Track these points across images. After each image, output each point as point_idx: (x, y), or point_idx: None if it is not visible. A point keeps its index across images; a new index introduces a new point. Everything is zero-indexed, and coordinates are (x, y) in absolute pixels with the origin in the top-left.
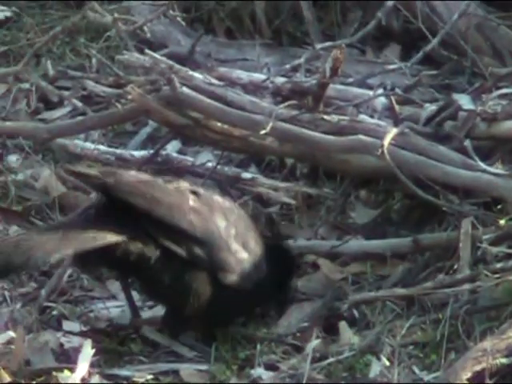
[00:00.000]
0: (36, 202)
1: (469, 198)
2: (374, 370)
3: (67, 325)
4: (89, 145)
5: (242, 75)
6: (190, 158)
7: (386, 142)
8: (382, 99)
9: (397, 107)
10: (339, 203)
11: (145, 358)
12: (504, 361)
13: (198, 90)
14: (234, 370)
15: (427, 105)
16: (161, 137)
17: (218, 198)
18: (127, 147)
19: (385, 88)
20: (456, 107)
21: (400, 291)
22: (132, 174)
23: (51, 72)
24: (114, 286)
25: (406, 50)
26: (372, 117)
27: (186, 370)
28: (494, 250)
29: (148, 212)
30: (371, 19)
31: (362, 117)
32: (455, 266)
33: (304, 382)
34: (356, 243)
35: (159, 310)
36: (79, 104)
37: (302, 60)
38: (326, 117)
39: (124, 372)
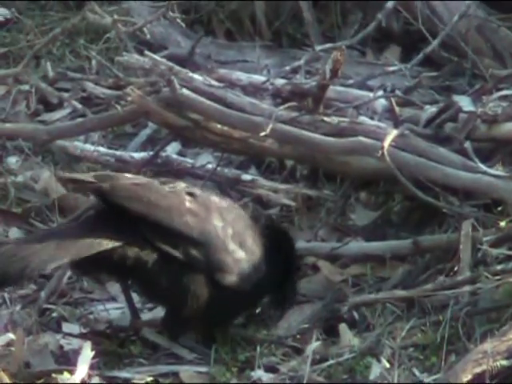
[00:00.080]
0: (36, 204)
1: (469, 199)
2: (374, 372)
3: (67, 327)
4: (89, 146)
5: (242, 77)
6: (189, 160)
7: (386, 143)
8: (382, 101)
9: (397, 109)
10: (339, 205)
11: (144, 360)
12: (504, 363)
13: (198, 91)
14: (234, 371)
15: (427, 106)
16: (161, 138)
17: (214, 198)
18: (127, 149)
19: (385, 90)
20: (456, 109)
21: (400, 293)
22: (127, 177)
23: (51, 73)
24: (114, 288)
25: (407, 51)
26: (372, 118)
27: (186, 372)
28: (495, 251)
29: (144, 216)
30: (371, 21)
31: (362, 118)
32: (455, 268)
33: None
34: (356, 245)
35: (159, 312)
36: (79, 106)
37: (301, 62)
38: (325, 118)
39: (124, 374)
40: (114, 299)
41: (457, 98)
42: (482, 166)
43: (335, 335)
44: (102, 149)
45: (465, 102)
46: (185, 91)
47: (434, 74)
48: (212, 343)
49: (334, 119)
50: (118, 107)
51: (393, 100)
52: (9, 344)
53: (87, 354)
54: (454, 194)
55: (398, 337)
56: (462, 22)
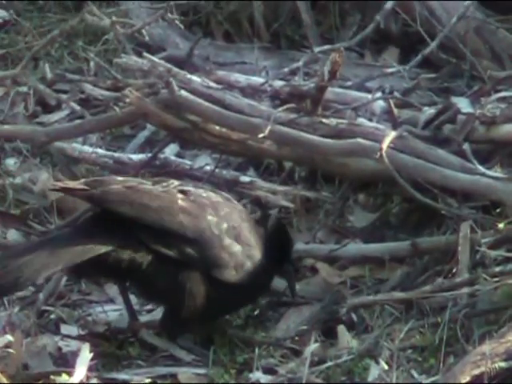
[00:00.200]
0: (34, 206)
1: (467, 201)
2: (373, 373)
3: (65, 328)
4: (87, 148)
5: (241, 78)
6: (188, 162)
7: (385, 145)
8: (381, 102)
9: (395, 110)
10: (338, 207)
11: (143, 362)
12: (503, 365)
13: (196, 93)
14: (233, 373)
15: (426, 108)
16: (159, 140)
17: (209, 194)
18: (125, 150)
19: (383, 91)
20: (455, 110)
21: (398, 295)
22: (119, 181)
23: (49, 75)
24: (112, 289)
25: (405, 53)
26: (371, 120)
27: (184, 373)
28: (493, 253)
29: (137, 219)
30: (370, 22)
31: (361, 120)
32: (454, 270)
33: None
34: (354, 247)
35: (157, 314)
36: (77, 107)
37: (300, 63)
38: (324, 120)
39: (122, 376)
40: (112, 301)
41: (455, 99)
42: (481, 168)
43: (333, 337)
44: (100, 150)
45: (463, 104)
46: (183, 93)
47: (433, 75)
48: (210, 345)
49: (333, 121)
50: (117, 109)
51: (391, 101)
52: (7, 346)
53: (85, 355)
54: (452, 196)
55: (397, 338)
56: (461, 23)
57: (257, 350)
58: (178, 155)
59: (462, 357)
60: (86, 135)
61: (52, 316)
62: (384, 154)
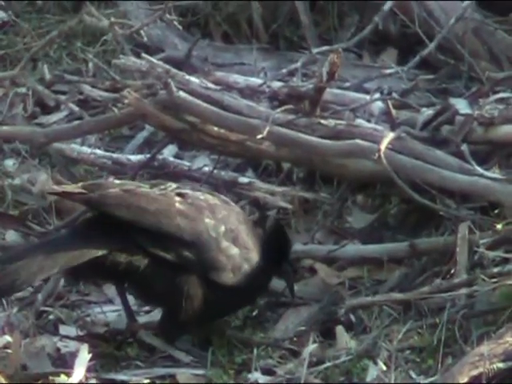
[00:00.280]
0: (33, 207)
1: (466, 202)
2: (371, 374)
3: (64, 329)
4: (85, 149)
5: (239, 79)
6: (186, 163)
7: (383, 146)
8: (379, 103)
9: (394, 111)
10: (336, 208)
11: (141, 363)
12: (501, 365)
13: (195, 94)
14: (231, 374)
15: (424, 109)
16: (157, 141)
17: (206, 196)
18: (124, 151)
19: (382, 92)
20: (453, 111)
21: (397, 296)
22: (116, 184)
23: (48, 76)
24: (111, 290)
25: (403, 54)
26: (369, 121)
27: (183, 374)
28: (491, 254)
29: (134, 222)
30: (368, 23)
31: (359, 121)
32: (452, 271)
33: None
34: (353, 248)
35: (156, 315)
36: (76, 108)
37: (298, 64)
38: (322, 121)
39: (121, 376)
40: (110, 301)
41: (453, 100)
42: (479, 169)
43: (332, 338)
44: (98, 151)
45: (461, 105)
46: (181, 94)
47: (431, 76)
48: (209, 346)
49: (331, 122)
50: (115, 110)
51: (389, 103)
52: (6, 346)
53: (84, 356)
54: (450, 197)
55: (395, 339)
56: (459, 24)
57: (255, 351)
58: (177, 156)
59: (460, 357)
60: (85, 136)
61: (51, 317)
62: (382, 155)
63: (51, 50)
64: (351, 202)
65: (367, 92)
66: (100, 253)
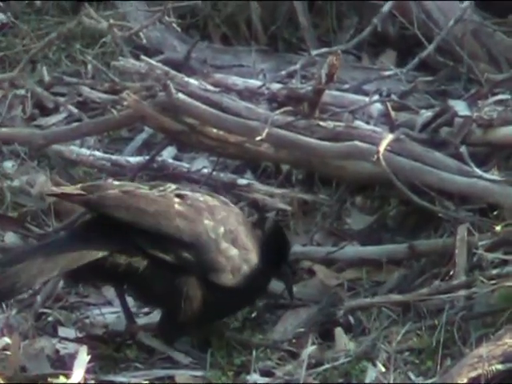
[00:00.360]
0: (32, 208)
1: (465, 204)
2: (370, 376)
3: (63, 331)
4: (84, 151)
5: (238, 81)
6: (185, 165)
7: (382, 148)
8: (378, 105)
9: (392, 113)
10: (335, 209)
11: (140, 365)
12: (500, 367)
13: (194, 96)
14: (230, 376)
15: (423, 111)
16: (156, 143)
17: (205, 197)
18: (123, 153)
19: (380, 94)
20: (452, 113)
21: (396, 297)
22: (115, 185)
23: (47, 78)
24: (110, 292)
25: (402, 56)
26: (368, 123)
27: (182, 376)
28: (490, 256)
29: (133, 224)
30: (367, 25)
31: (358, 123)
32: (451, 272)
33: None
34: (352, 249)
35: (155, 316)
36: (75, 110)
37: (297, 66)
38: (321, 123)
39: (120, 378)
40: (109, 303)
41: (452, 102)
42: (478, 171)
43: (331, 339)
44: (97, 153)
45: (460, 107)
46: (181, 96)
47: (430, 78)
48: (208, 347)
49: (330, 124)
50: (114, 112)
51: (388, 104)
52: (5, 348)
53: (83, 358)
54: (449, 199)
55: (394, 341)
56: (458, 26)
57: (254, 353)
58: (176, 158)
59: (459, 359)
60: (84, 138)
61: (50, 318)
62: (381, 157)
63: (50, 52)
64: (350, 204)
65: (366, 94)
66: (100, 254)
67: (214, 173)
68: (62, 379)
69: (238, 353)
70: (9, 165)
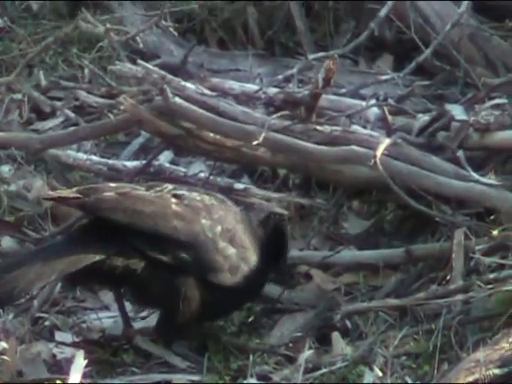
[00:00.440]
0: (28, 213)
1: (462, 208)
2: (367, 380)
3: (60, 335)
4: (81, 155)
5: (235, 85)
6: (182, 169)
7: (379, 152)
8: (375, 110)
9: (389, 118)
10: (332, 214)
11: (137, 369)
12: (497, 371)
13: (191, 100)
14: (227, 380)
15: (420, 115)
16: (153, 147)
17: (202, 197)
18: (120, 157)
19: (377, 98)
20: (449, 117)
21: (393, 302)
22: (112, 187)
23: (43, 82)
24: (107, 296)
25: (399, 60)
26: (365, 127)
27: (179, 380)
28: (487, 260)
29: (130, 225)
30: (364, 30)
31: (355, 127)
32: (448, 277)
33: None
34: (349, 254)
35: (152, 321)
36: (72, 114)
37: (294, 70)
38: (318, 127)
39: (116, 382)
40: (106, 308)
41: (449, 106)
42: (475, 175)
43: (328, 344)
44: (94, 157)
45: (457, 111)
46: (177, 100)
47: (427, 82)
48: (205, 352)
49: (327, 128)
50: (111, 116)
51: (385, 109)
52: (1, 353)
53: (80, 362)
54: (446, 203)
55: (391, 345)
56: (455, 30)
57: (251, 357)
58: (173, 162)
59: (456, 364)
60: (81, 142)
61: (46, 323)
62: (378, 161)
63: (47, 56)
64: (347, 208)
65: (363, 98)
66: (97, 258)
67: (211, 177)
68: None
69: (234, 357)
70: (5, 169)
